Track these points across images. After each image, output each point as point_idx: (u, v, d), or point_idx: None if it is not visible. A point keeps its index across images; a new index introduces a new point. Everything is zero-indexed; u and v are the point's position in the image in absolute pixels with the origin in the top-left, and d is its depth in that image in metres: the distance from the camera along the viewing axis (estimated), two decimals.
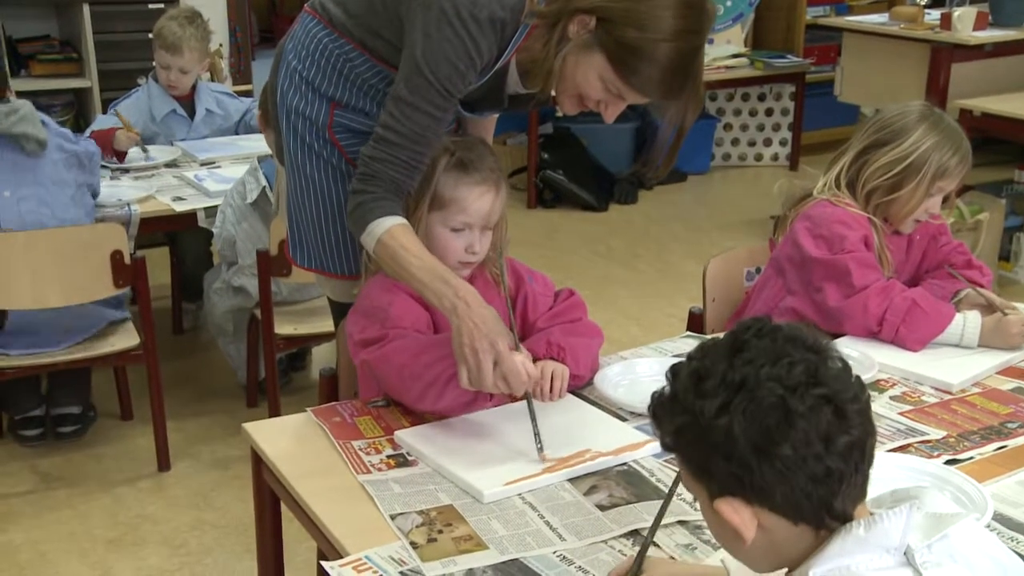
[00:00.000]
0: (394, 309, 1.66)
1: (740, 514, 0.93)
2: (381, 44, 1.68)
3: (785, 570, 0.98)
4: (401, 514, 1.39)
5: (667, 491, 1.22)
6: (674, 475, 1.47)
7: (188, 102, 3.56)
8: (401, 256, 1.56)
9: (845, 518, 0.93)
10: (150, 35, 3.54)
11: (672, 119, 1.60)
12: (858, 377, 0.94)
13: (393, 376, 1.62)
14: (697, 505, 1.38)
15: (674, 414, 0.95)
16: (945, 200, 2.05)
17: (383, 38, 1.67)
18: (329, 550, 1.37)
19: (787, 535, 0.94)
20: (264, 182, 2.95)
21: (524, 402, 1.59)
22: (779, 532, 0.94)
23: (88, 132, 3.30)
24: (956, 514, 0.96)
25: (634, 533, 1.36)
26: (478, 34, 1.55)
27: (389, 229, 1.58)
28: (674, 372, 0.97)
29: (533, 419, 1.55)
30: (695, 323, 2.22)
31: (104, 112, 3.76)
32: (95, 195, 2.89)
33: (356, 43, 1.72)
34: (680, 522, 1.38)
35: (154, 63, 3.51)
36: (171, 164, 3.34)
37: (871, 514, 0.94)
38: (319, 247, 1.85)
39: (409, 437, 1.59)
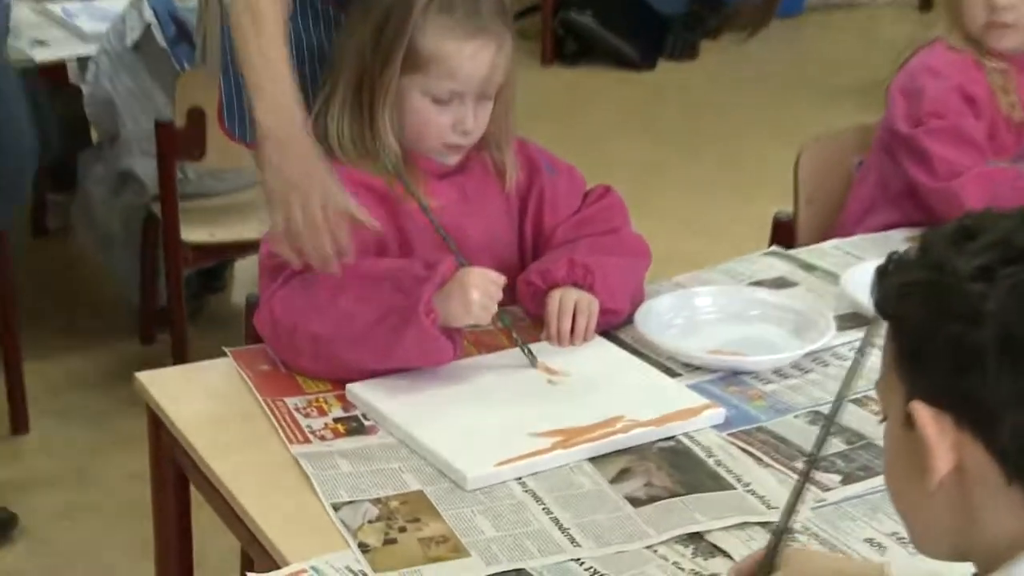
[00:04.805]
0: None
1: (943, 428, 0.92)
2: None
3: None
4: (349, 503, 1.39)
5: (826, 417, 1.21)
6: (753, 449, 1.51)
7: None
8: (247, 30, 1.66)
9: None
10: None
11: None
12: None
13: (292, 347, 1.65)
14: (770, 497, 1.41)
15: (912, 268, 0.96)
16: None
17: None
18: (259, 554, 1.38)
19: (988, 497, 0.93)
20: (151, 17, 2.92)
21: (518, 350, 1.68)
22: (980, 487, 0.93)
23: None
24: None
25: (687, 539, 1.36)
26: None
27: None
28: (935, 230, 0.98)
29: (508, 327, 1.68)
30: (782, 234, 2.22)
31: None
32: None
33: None
34: (761, 524, 1.38)
35: None
36: None
37: None
38: None
39: (366, 393, 1.60)
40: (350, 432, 1.53)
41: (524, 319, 1.77)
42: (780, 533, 1.19)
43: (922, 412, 0.93)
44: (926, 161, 2.04)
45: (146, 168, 2.93)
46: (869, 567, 1.22)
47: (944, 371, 0.92)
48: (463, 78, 1.69)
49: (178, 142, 2.78)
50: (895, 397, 0.97)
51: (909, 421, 0.94)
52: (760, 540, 1.35)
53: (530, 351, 1.66)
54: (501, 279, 1.62)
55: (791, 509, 1.19)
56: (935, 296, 0.93)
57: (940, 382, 0.93)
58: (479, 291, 1.58)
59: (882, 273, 0.99)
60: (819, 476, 1.46)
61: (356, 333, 1.60)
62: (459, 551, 1.33)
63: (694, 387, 1.65)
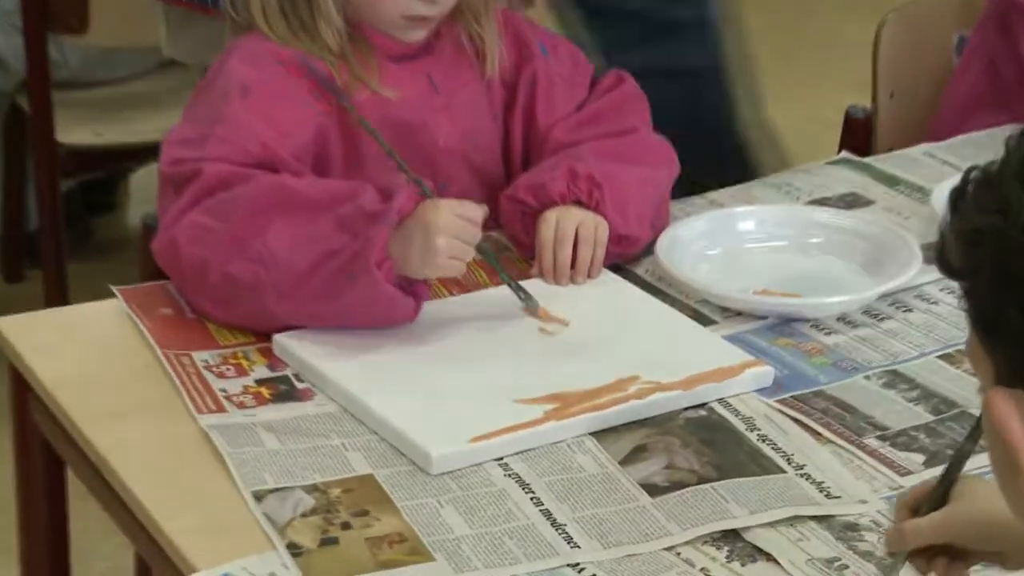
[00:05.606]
0: (251, 99, 1.66)
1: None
2: None
3: None
4: (275, 491, 1.37)
5: None
6: (810, 421, 1.51)
7: None
8: None
9: None
10: None
11: None
12: None
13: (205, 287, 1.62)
14: (831, 484, 1.40)
15: (982, 207, 0.92)
16: None
17: None
18: (157, 559, 1.38)
19: None
20: None
21: (499, 289, 1.68)
22: None
23: None
24: None
25: (719, 538, 1.34)
26: None
27: None
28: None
29: (490, 261, 1.68)
30: (856, 136, 2.20)
31: None
32: None
33: None
34: (816, 518, 1.37)
35: None
36: None
37: None
38: None
39: (300, 346, 1.58)
40: (278, 397, 1.52)
41: (509, 248, 1.74)
42: (959, 459, 1.19)
43: (1000, 404, 0.90)
44: None
45: (16, 46, 2.87)
46: None
47: (1021, 347, 0.89)
48: None
49: (50, 9, 2.73)
50: (984, 369, 0.94)
51: None
52: (816, 539, 1.34)
53: (525, 292, 1.62)
54: (479, 212, 1.56)
55: (976, 432, 1.17)
56: (999, 249, 0.89)
57: (1019, 360, 0.89)
58: (447, 236, 1.53)
59: (956, 199, 0.94)
60: (897, 457, 1.43)
61: (287, 281, 1.56)
62: (419, 554, 1.31)
63: (733, 338, 1.62)
